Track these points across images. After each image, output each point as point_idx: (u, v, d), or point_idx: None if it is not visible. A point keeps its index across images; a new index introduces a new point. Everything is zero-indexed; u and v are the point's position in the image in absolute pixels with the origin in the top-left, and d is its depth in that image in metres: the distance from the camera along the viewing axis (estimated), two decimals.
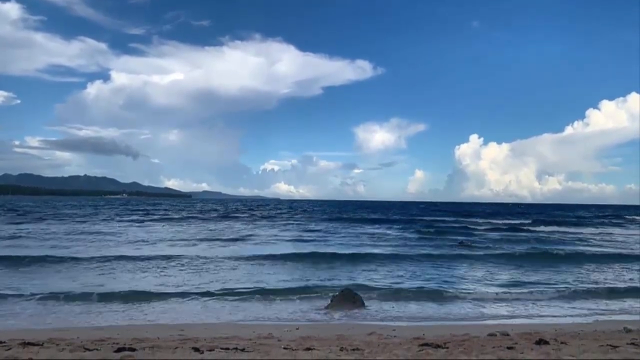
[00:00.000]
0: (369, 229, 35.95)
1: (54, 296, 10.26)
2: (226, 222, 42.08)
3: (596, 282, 13.48)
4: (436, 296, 11.24)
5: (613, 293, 11.86)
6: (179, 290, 11.48)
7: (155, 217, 48.27)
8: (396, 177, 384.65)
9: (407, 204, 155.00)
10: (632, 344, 6.04)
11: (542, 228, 39.19)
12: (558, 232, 35.30)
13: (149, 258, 16.36)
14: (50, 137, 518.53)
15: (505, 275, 14.70)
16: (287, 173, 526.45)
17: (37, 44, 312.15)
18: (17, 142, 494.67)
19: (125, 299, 10.31)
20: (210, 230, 32.42)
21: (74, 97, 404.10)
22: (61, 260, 15.54)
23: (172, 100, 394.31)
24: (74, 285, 11.64)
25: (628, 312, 10.11)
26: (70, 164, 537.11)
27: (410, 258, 17.95)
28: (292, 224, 40.82)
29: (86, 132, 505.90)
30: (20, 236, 24.83)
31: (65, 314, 9.07)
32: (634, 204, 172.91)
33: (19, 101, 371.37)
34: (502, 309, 10.26)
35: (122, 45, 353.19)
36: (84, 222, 37.83)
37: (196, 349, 5.59)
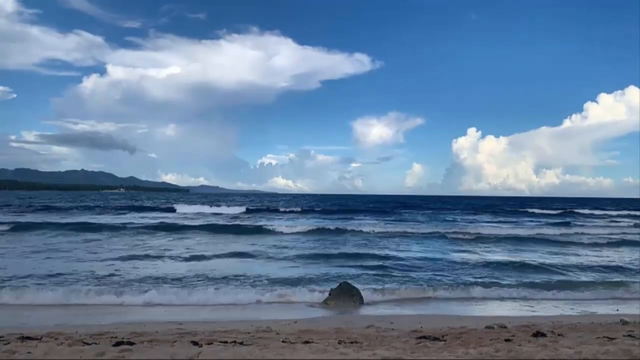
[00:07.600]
0: None
1: None
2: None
3: None
4: None
5: None
6: None
7: None
8: (394, 171, 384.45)
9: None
10: (629, 335, 6.08)
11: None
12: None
13: None
14: (47, 132, 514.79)
15: None
16: (285, 167, 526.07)
17: (33, 38, 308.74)
18: (13, 137, 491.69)
19: None
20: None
21: (70, 91, 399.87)
22: None
23: (169, 94, 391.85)
24: None
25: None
26: (67, 159, 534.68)
27: None
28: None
29: (83, 126, 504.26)
30: None
31: None
32: (631, 197, 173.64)
33: (15, 95, 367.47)
34: None
35: (118, 38, 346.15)
36: None
37: (195, 343, 5.59)
